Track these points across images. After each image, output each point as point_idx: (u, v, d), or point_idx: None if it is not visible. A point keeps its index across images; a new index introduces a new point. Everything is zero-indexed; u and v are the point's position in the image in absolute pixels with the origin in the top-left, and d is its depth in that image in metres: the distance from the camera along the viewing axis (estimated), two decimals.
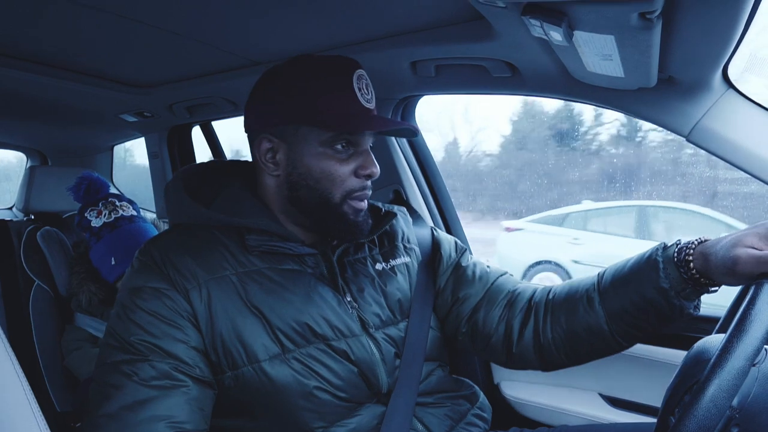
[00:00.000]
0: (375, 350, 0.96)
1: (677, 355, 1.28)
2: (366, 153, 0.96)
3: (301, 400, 0.88)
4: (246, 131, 1.01)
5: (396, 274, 1.07)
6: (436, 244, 1.19)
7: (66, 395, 1.51)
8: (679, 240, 0.89)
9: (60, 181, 1.77)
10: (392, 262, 1.08)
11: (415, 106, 1.66)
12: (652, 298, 0.89)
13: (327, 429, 0.90)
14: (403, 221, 1.18)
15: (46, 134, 2.52)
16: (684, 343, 1.26)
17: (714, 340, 0.69)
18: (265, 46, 1.31)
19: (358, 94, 0.92)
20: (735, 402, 0.57)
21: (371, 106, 0.95)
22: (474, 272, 1.14)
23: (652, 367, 1.31)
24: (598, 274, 1.00)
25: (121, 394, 0.80)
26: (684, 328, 1.28)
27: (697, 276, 0.84)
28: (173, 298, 0.86)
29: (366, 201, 0.98)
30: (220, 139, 2.36)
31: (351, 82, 0.92)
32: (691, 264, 0.84)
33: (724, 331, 0.62)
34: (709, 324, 1.22)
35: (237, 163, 1.11)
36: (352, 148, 0.94)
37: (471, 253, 1.22)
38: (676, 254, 0.87)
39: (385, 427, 0.93)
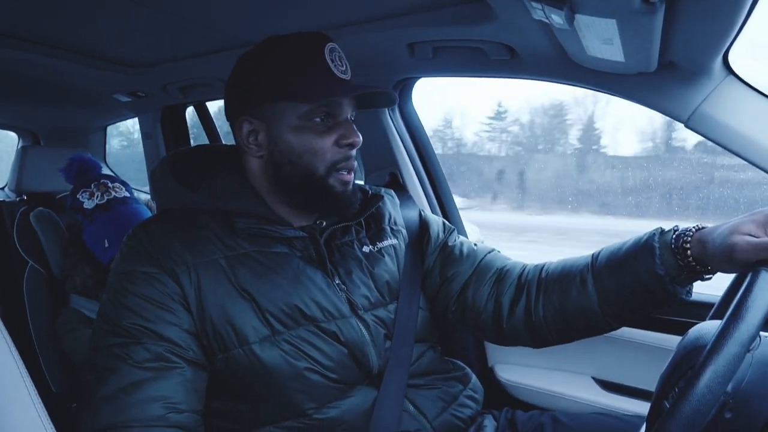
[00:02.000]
0: (365, 332, 0.96)
1: (670, 340, 1.29)
2: (346, 123, 0.95)
3: (291, 382, 0.89)
4: (228, 118, 1.00)
5: (383, 257, 1.08)
6: (423, 225, 1.19)
7: (61, 376, 1.51)
8: (676, 226, 0.89)
9: (53, 161, 1.75)
10: (379, 245, 1.08)
11: (412, 88, 1.65)
12: (646, 284, 0.89)
13: (319, 410, 0.90)
14: (390, 203, 1.18)
15: (39, 114, 2.49)
16: (677, 328, 1.27)
17: (709, 327, 0.69)
18: (259, 26, 1.29)
19: (331, 65, 0.92)
20: (729, 387, 0.58)
21: (346, 77, 0.95)
22: (461, 251, 1.14)
23: (645, 351, 1.33)
24: (593, 255, 1.00)
25: (116, 376, 0.80)
26: (677, 312, 1.29)
27: (693, 263, 0.84)
28: (164, 282, 0.86)
29: (353, 173, 0.98)
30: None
31: (322, 54, 0.91)
32: (689, 251, 0.84)
33: (719, 318, 0.62)
34: (701, 309, 1.22)
35: (226, 147, 1.10)
36: (331, 120, 0.94)
37: (465, 235, 1.22)
38: (673, 241, 0.87)
39: (377, 408, 0.94)
